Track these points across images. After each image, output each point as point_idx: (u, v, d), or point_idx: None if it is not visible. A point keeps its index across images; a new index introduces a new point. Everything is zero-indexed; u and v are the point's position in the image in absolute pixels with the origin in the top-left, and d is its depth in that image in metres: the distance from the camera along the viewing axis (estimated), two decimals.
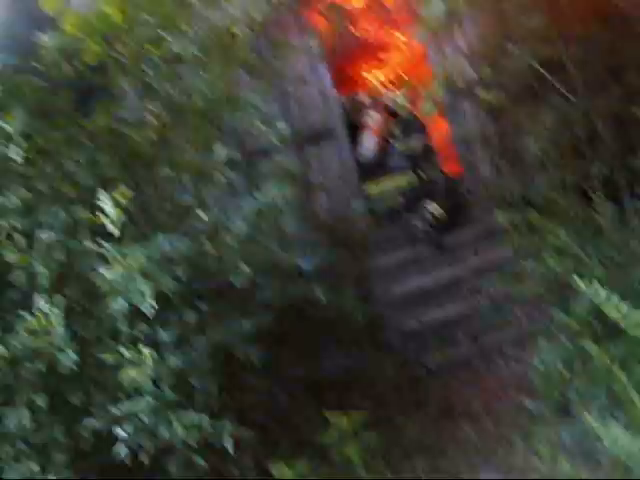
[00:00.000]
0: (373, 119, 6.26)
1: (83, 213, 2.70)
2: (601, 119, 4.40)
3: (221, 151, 2.99)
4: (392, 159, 6.27)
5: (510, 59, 4.29)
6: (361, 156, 6.19)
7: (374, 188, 6.25)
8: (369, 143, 6.18)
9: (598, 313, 2.14)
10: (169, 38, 3.08)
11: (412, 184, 6.06)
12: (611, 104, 4.42)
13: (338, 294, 3.79)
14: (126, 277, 2.40)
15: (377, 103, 6.41)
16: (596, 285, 1.89)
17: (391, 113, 6.37)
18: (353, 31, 4.61)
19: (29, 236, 2.67)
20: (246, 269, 2.73)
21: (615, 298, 1.85)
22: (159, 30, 3.07)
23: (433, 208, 5.83)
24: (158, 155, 3.13)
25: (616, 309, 1.84)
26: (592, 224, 3.56)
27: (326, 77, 5.95)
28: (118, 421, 2.47)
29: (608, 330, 2.66)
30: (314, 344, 3.98)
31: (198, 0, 3.25)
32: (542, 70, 4.51)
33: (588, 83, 4.63)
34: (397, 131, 6.30)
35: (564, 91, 4.48)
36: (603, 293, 1.88)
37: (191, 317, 2.76)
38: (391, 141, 6.30)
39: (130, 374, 2.45)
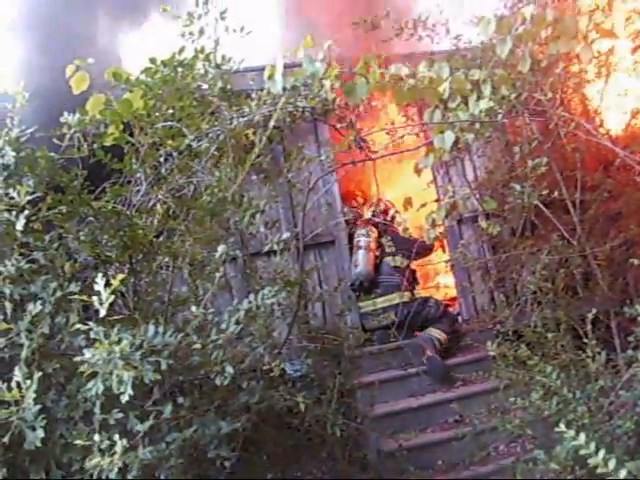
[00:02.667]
0: (368, 238, 6.28)
1: (76, 290, 2.68)
2: (598, 263, 4.47)
3: (222, 248, 3.02)
4: (386, 278, 6.27)
5: (514, 195, 4.42)
6: (355, 274, 6.18)
7: (368, 305, 6.23)
8: (363, 262, 6.18)
9: (581, 459, 2.08)
10: (187, 132, 3.18)
11: (406, 303, 6.05)
12: (609, 249, 4.51)
13: (319, 405, 3.72)
14: (107, 361, 2.36)
15: (376, 220, 6.49)
16: (582, 436, 1.86)
17: (387, 231, 6.43)
18: (366, 148, 4.75)
19: (19, 306, 2.65)
20: (230, 369, 2.68)
21: (602, 452, 1.80)
22: (178, 123, 3.17)
23: (437, 334, 5.79)
24: (160, 244, 3.16)
25: (602, 462, 1.80)
26: (582, 367, 3.53)
27: (334, 188, 6.12)
28: None
29: (589, 477, 2.59)
30: (289, 453, 3.87)
31: (219, 100, 3.38)
32: (544, 209, 4.63)
33: (588, 226, 4.74)
34: (393, 249, 6.33)
35: (564, 231, 4.58)
36: (591, 446, 1.84)
37: (168, 410, 2.69)
38: (386, 260, 6.32)
39: (97, 461, 2.36)
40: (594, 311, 3.56)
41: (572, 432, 1.91)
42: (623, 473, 1.74)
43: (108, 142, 3.18)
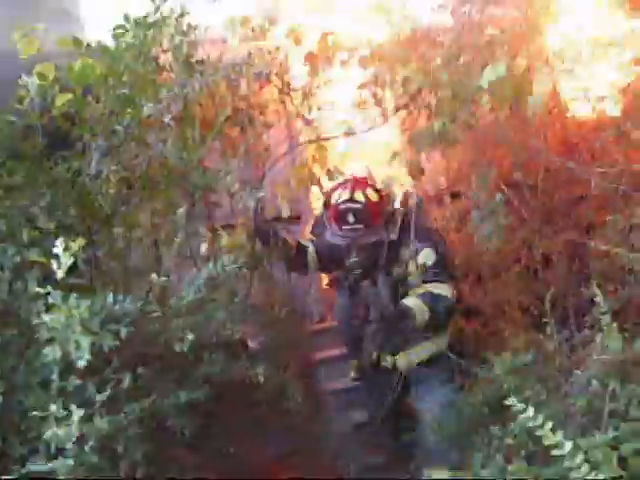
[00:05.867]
0: None
1: (34, 256, 2.65)
2: (557, 245, 4.55)
3: (181, 212, 3.00)
4: None
5: (478, 176, 4.44)
6: None
7: None
8: None
9: (534, 434, 2.14)
10: (143, 100, 3.13)
11: None
12: (567, 232, 4.59)
13: (280, 378, 3.74)
14: (65, 325, 2.33)
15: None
16: (531, 409, 1.92)
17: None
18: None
19: None
20: (191, 336, 2.68)
21: (549, 424, 1.87)
22: (134, 91, 3.12)
23: None
24: (116, 213, 3.12)
25: (550, 436, 1.86)
26: (539, 346, 3.60)
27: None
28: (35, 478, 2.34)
29: (543, 452, 2.66)
30: (249, 424, 3.89)
31: (178, 67, 3.33)
32: (506, 190, 4.69)
33: (548, 209, 4.82)
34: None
35: (525, 214, 4.65)
36: (539, 418, 1.90)
37: (127, 379, 2.68)
38: None
39: (54, 430, 2.34)
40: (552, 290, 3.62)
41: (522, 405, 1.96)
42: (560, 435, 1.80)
43: (63, 109, 3.10)
